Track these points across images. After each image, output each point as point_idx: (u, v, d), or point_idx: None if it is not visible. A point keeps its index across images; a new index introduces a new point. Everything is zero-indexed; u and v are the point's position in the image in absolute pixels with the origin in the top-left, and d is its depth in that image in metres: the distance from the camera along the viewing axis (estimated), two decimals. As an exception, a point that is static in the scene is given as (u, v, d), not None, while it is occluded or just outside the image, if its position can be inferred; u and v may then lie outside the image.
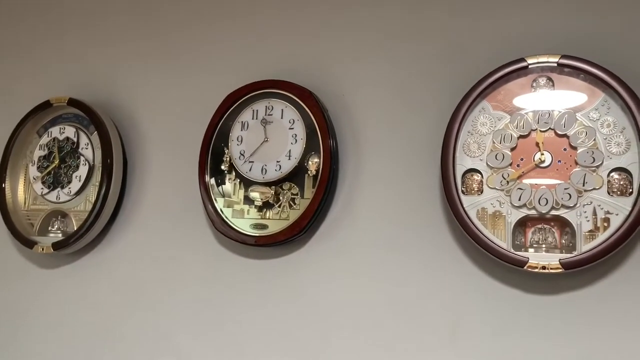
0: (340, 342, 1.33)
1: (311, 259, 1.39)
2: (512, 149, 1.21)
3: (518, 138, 1.21)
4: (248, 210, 1.44)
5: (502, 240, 1.19)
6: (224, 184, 1.47)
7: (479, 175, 1.23)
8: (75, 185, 1.61)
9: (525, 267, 1.15)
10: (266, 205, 1.43)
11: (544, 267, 1.14)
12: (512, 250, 1.17)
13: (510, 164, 1.21)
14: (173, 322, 1.49)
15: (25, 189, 1.69)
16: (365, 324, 1.31)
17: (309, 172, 1.39)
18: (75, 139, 1.64)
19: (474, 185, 1.24)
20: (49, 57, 1.78)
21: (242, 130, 1.48)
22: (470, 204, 1.22)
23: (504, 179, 1.21)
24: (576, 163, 1.16)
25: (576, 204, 1.15)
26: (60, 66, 1.76)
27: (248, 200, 1.44)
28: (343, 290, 1.35)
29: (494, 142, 1.23)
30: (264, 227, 1.42)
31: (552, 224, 1.18)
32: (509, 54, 1.23)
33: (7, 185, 1.68)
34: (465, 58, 1.32)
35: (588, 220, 1.14)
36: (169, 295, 1.51)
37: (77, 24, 1.76)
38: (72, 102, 1.63)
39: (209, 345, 1.44)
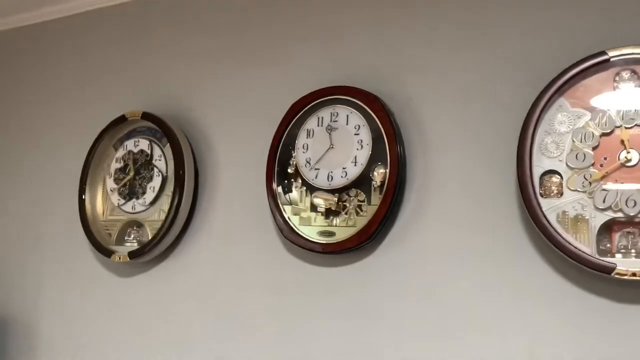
0: (411, 352, 1.28)
1: (380, 266, 1.37)
2: (594, 148, 1.14)
3: (600, 136, 1.14)
4: (315, 217, 1.44)
5: (585, 246, 1.12)
6: (291, 191, 1.48)
7: (558, 176, 1.17)
8: (149, 195, 1.67)
9: (612, 274, 1.07)
10: (332, 213, 1.42)
11: (634, 274, 1.05)
12: (598, 256, 1.09)
13: (593, 164, 1.14)
14: (244, 329, 1.50)
15: (103, 200, 1.77)
16: (437, 334, 1.26)
17: (373, 182, 1.37)
18: (149, 151, 1.70)
19: (553, 187, 1.17)
20: (123, 74, 1.86)
21: (307, 137, 1.48)
22: (549, 207, 1.15)
23: (586, 180, 1.13)
24: (668, 161, 1.08)
25: (669, 205, 1.06)
26: (134, 82, 1.83)
27: (315, 207, 1.44)
28: (413, 298, 1.31)
29: (573, 141, 1.16)
30: (331, 234, 1.40)
31: (642, 227, 1.10)
32: (587, 47, 1.16)
33: (86, 197, 1.76)
34: (539, 55, 1.25)
35: (684, 223, 1.05)
36: (239, 302, 1.52)
37: (148, 41, 1.83)
38: (146, 116, 1.69)
39: (278, 351, 1.44)
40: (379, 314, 1.34)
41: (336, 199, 1.41)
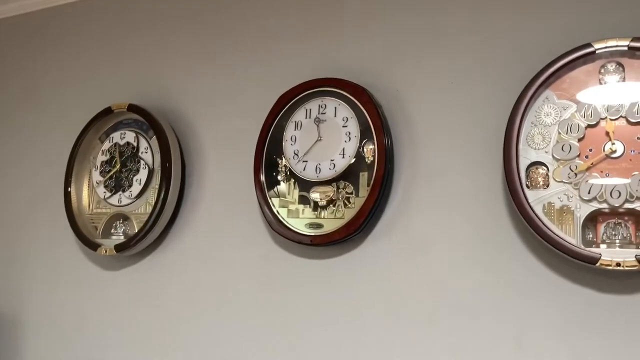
0: (399, 344, 1.29)
1: (367, 258, 1.37)
2: (580, 140, 1.15)
3: (586, 128, 1.15)
4: (303, 209, 1.44)
5: (571, 237, 1.13)
6: (279, 184, 1.47)
7: (545, 168, 1.17)
8: (135, 188, 1.66)
9: (597, 265, 1.08)
10: (323, 204, 1.41)
11: (618, 264, 1.06)
12: (583, 247, 1.10)
13: (578, 156, 1.14)
14: (232, 322, 1.50)
15: (89, 193, 1.75)
16: (424, 325, 1.27)
17: (366, 159, 1.36)
18: (135, 144, 1.69)
19: (539, 179, 1.18)
20: (109, 66, 1.84)
21: (295, 130, 1.48)
22: (535, 198, 1.16)
23: (572, 171, 1.14)
24: (652, 152, 1.09)
25: (653, 196, 1.07)
26: (120, 74, 1.81)
27: (303, 199, 1.44)
28: (400, 289, 1.31)
29: (559, 133, 1.16)
30: (320, 226, 1.40)
31: (627, 218, 1.11)
32: (573, 40, 1.17)
33: (72, 190, 1.74)
34: (526, 47, 1.26)
35: (667, 214, 1.06)
36: (228, 295, 1.52)
37: (133, 32, 1.81)
38: (132, 108, 1.68)
39: (266, 344, 1.44)
40: (367, 305, 1.34)
41: (335, 189, 1.40)
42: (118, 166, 1.70)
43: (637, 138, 1.10)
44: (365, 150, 1.37)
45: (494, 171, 1.26)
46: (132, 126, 1.71)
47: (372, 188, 1.34)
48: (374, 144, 1.35)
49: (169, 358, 1.57)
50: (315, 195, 1.42)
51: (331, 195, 1.40)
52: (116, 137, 1.73)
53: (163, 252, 1.64)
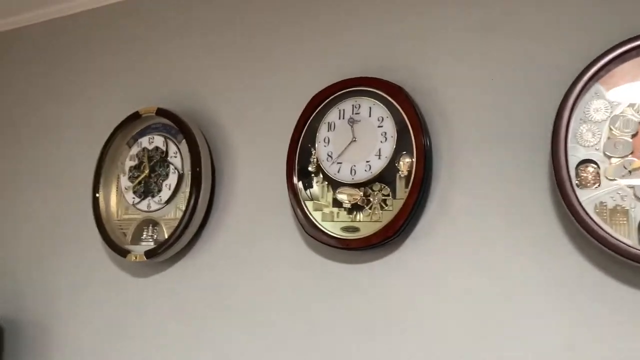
0: (441, 351, 1.24)
1: (406, 262, 1.32)
2: (634, 136, 1.09)
3: (639, 123, 1.09)
4: (338, 213, 1.40)
5: (626, 237, 1.07)
6: (312, 187, 1.44)
7: (595, 166, 1.12)
8: (165, 193, 1.63)
9: (657, 267, 1.02)
10: (356, 208, 1.37)
11: (680, 266, 1.01)
12: (640, 248, 1.05)
13: (632, 153, 1.09)
14: (264, 329, 1.46)
15: (117, 199, 1.73)
16: (468, 333, 1.22)
17: (400, 172, 1.32)
18: (164, 148, 1.67)
19: (590, 177, 1.12)
20: (136, 70, 1.82)
21: (329, 131, 1.44)
22: (587, 198, 1.10)
23: (625, 169, 1.09)
24: None
25: None
26: (147, 78, 1.79)
27: (337, 202, 1.40)
28: (442, 295, 1.27)
29: (611, 129, 1.11)
30: (356, 229, 1.36)
31: (685, 217, 1.05)
32: (625, 30, 1.12)
33: (100, 196, 1.72)
34: (572, 39, 1.21)
35: None
36: (260, 302, 1.48)
37: (161, 36, 1.79)
38: (161, 112, 1.65)
39: (300, 350, 1.40)
40: (407, 311, 1.30)
41: (362, 193, 1.37)
42: (147, 171, 1.68)
43: (696, 133, 1.05)
44: (401, 163, 1.33)
45: (540, 170, 1.21)
46: (161, 130, 1.69)
47: (410, 189, 1.30)
48: (411, 149, 1.30)
49: (201, 366, 1.54)
50: (342, 197, 1.38)
51: (357, 198, 1.36)
52: (144, 141, 1.71)
53: (193, 258, 1.61)
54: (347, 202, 1.38)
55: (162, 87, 1.75)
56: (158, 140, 1.68)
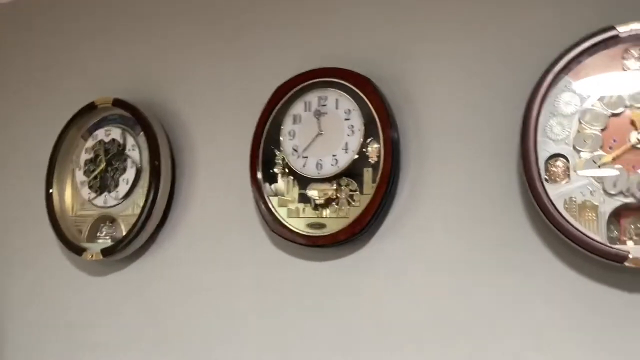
0: (408, 350, 1.21)
1: (374, 259, 1.29)
2: (603, 130, 1.07)
3: (609, 117, 1.07)
4: (304, 208, 1.35)
5: (594, 233, 1.05)
6: (277, 182, 1.38)
7: (564, 160, 1.10)
8: (122, 188, 1.56)
9: (625, 263, 1.01)
10: (323, 203, 1.32)
11: (648, 262, 0.99)
12: (609, 244, 1.03)
13: (602, 147, 1.07)
14: (228, 329, 1.41)
15: (72, 194, 1.65)
16: (436, 331, 1.19)
17: (369, 159, 1.28)
18: (121, 141, 1.59)
19: (559, 172, 1.10)
20: (92, 58, 1.73)
21: (294, 124, 1.38)
22: (556, 193, 1.08)
23: (595, 163, 1.07)
24: (681, 142, 1.02)
25: (684, 188, 1.00)
26: (104, 67, 1.71)
27: (303, 198, 1.35)
28: (410, 292, 1.23)
29: (580, 123, 1.09)
30: (322, 226, 1.32)
31: (654, 212, 1.04)
32: (594, 23, 1.09)
33: (54, 191, 1.64)
34: (542, 31, 1.18)
35: (699, 207, 0.99)
36: (223, 300, 1.42)
37: (119, 24, 1.71)
38: (117, 103, 1.57)
39: (265, 350, 1.35)
40: (375, 308, 1.26)
41: (334, 187, 1.32)
42: (103, 165, 1.60)
43: (665, 127, 1.03)
44: (369, 149, 1.28)
45: (509, 164, 1.18)
46: (118, 122, 1.61)
47: (378, 184, 1.26)
48: (379, 138, 1.27)
49: (161, 369, 1.47)
50: (312, 193, 1.33)
51: (330, 194, 1.31)
52: (101, 134, 1.62)
53: (153, 256, 1.54)
54: (318, 198, 1.33)
55: (119, 76, 1.67)
56: (115, 133, 1.60)
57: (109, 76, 1.69)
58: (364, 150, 1.29)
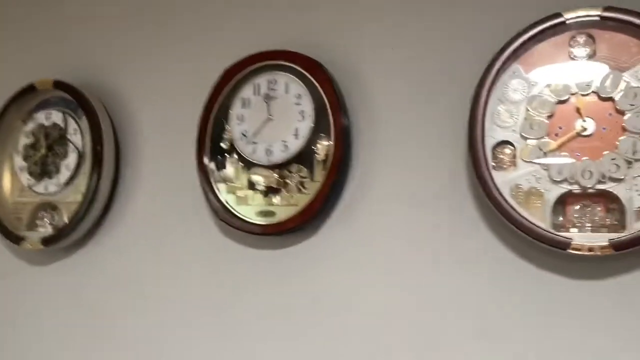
0: (358, 340, 1.20)
1: (324, 248, 1.27)
2: (549, 117, 1.07)
3: (556, 104, 1.07)
4: (253, 196, 1.31)
5: (540, 221, 1.05)
6: (225, 168, 1.34)
7: (512, 147, 1.09)
8: (64, 174, 1.49)
9: (568, 250, 1.01)
10: (272, 191, 1.29)
11: (590, 249, 1.00)
12: (554, 231, 1.03)
13: (548, 134, 1.07)
14: (174, 320, 1.37)
15: (11, 180, 1.56)
16: (385, 319, 1.18)
17: (317, 155, 1.25)
18: (63, 125, 1.51)
19: (506, 159, 1.10)
20: (31, 39, 1.64)
21: (243, 108, 1.34)
22: (502, 180, 1.08)
23: (541, 150, 1.07)
24: (624, 130, 1.02)
25: (625, 176, 1.01)
26: (44, 47, 1.62)
27: (252, 185, 1.31)
28: (360, 282, 1.22)
29: (528, 110, 1.09)
30: (271, 214, 1.28)
31: (597, 199, 1.05)
32: (542, 9, 1.09)
33: (-9, 178, 1.55)
34: (491, 18, 1.17)
35: (640, 194, 1.00)
36: (170, 290, 1.38)
37: (60, 2, 1.62)
38: (58, 85, 1.49)
39: (212, 342, 1.32)
40: (324, 297, 1.24)
41: (277, 175, 1.28)
42: (43, 150, 1.52)
43: (609, 114, 1.04)
44: (318, 145, 1.25)
45: (458, 152, 1.17)
46: (60, 105, 1.53)
47: (328, 172, 1.23)
48: (329, 126, 1.24)
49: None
50: (257, 179, 1.29)
51: (273, 180, 1.28)
52: (41, 117, 1.54)
53: (97, 246, 1.48)
54: (261, 184, 1.30)
55: (61, 57, 1.58)
56: (56, 116, 1.52)
57: (50, 57, 1.60)
58: (314, 147, 1.26)
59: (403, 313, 1.17)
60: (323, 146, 1.26)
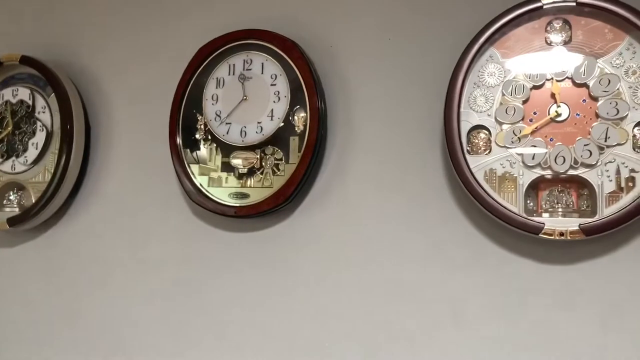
0: (329, 324, 1.19)
1: (297, 231, 1.25)
2: (524, 102, 1.07)
3: (531, 89, 1.07)
4: (227, 178, 1.29)
5: (513, 205, 1.06)
6: (199, 149, 1.32)
7: (486, 132, 1.09)
8: (32, 153, 1.44)
9: (540, 234, 1.02)
10: (247, 172, 1.27)
11: (561, 234, 1.01)
12: (526, 216, 1.04)
13: (522, 119, 1.07)
14: (145, 303, 1.35)
15: (-24, 159, 1.51)
16: (357, 304, 1.18)
17: (296, 127, 1.23)
18: (30, 102, 1.46)
19: (481, 144, 1.10)
20: (-2, 11, 1.58)
21: (217, 87, 1.31)
22: (477, 164, 1.08)
23: (515, 135, 1.07)
24: (597, 116, 1.03)
25: (597, 162, 1.02)
26: (9, 21, 1.56)
27: (226, 167, 1.29)
28: (333, 266, 1.21)
29: (503, 94, 1.08)
30: (245, 196, 1.27)
31: (569, 185, 1.05)
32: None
33: (-45, 156, 1.50)
34: (468, 2, 1.16)
35: (611, 180, 1.01)
36: (140, 273, 1.36)
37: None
38: (25, 60, 1.45)
39: (183, 326, 1.31)
40: (298, 281, 1.24)
41: (258, 156, 1.26)
42: (10, 128, 1.47)
43: (583, 100, 1.04)
44: (295, 117, 1.24)
45: (434, 135, 1.17)
46: (27, 81, 1.48)
47: (303, 154, 1.22)
48: (305, 107, 1.22)
49: (73, 347, 1.39)
50: (237, 162, 1.27)
51: (254, 162, 1.26)
52: (7, 94, 1.49)
53: (65, 226, 1.45)
54: (242, 167, 1.28)
55: (27, 32, 1.53)
56: (23, 93, 1.47)
57: (17, 31, 1.55)
58: (291, 119, 1.25)
59: (375, 296, 1.17)
60: (300, 117, 1.24)
